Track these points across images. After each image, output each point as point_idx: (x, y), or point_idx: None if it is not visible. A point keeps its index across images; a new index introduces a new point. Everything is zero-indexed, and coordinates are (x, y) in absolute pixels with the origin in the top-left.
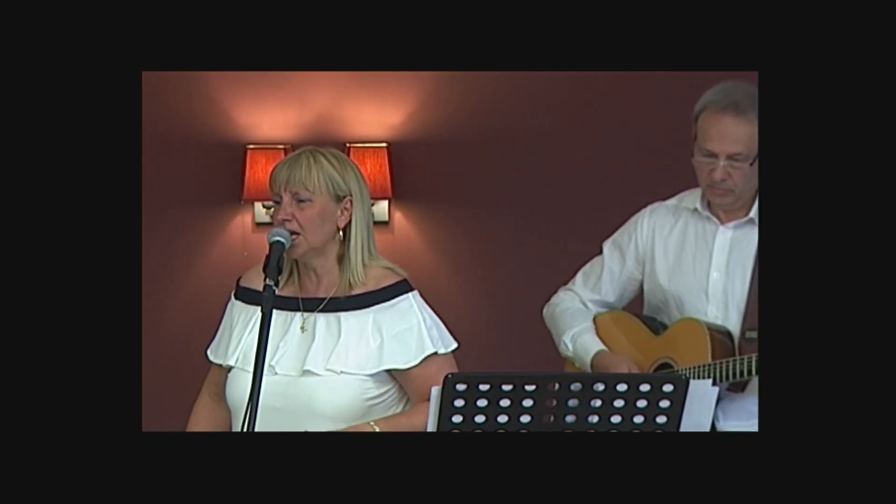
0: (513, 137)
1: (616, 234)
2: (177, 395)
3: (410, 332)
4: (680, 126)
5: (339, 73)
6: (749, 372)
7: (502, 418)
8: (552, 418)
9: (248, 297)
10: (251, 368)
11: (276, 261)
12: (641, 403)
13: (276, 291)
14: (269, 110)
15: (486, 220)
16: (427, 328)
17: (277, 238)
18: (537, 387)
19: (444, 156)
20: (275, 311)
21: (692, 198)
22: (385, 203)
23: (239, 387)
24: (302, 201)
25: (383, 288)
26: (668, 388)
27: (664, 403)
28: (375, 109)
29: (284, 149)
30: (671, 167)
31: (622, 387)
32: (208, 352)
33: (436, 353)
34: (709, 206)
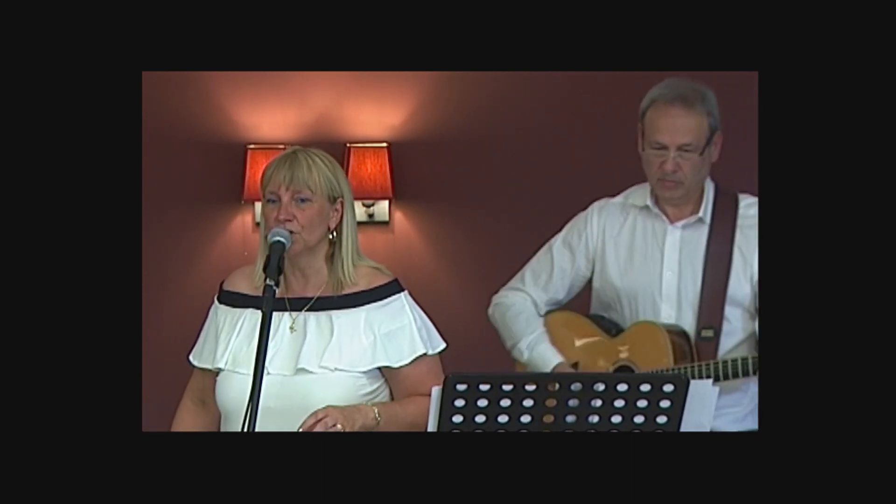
0: (513, 137)
1: (564, 232)
2: (177, 395)
3: (402, 332)
4: None
5: (339, 73)
6: (708, 376)
7: (503, 418)
8: (552, 418)
9: (233, 300)
10: (244, 370)
11: (276, 261)
12: (642, 403)
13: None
14: (269, 110)
15: (486, 220)
16: (417, 328)
17: (278, 238)
18: (537, 387)
19: (444, 156)
20: None
21: (640, 194)
22: (385, 203)
23: (232, 389)
24: (303, 201)
25: (375, 288)
26: (668, 388)
27: (664, 403)
28: (375, 109)
29: (284, 149)
30: None
31: (622, 387)
32: (191, 357)
33: (425, 354)
34: (657, 202)
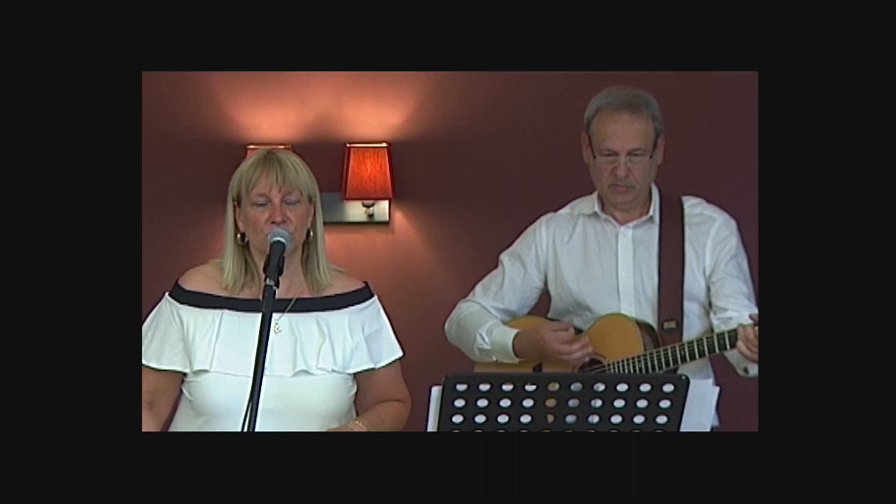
0: (513, 137)
1: (514, 246)
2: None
3: (380, 334)
4: (680, 126)
5: (339, 73)
6: (680, 359)
7: (503, 418)
8: (552, 418)
9: (198, 300)
10: (234, 372)
11: (276, 261)
12: (642, 403)
13: (237, 296)
14: (269, 110)
15: (486, 220)
16: (390, 331)
17: (278, 238)
18: (537, 387)
19: (444, 156)
20: (245, 315)
21: (585, 204)
22: (385, 203)
23: (224, 391)
24: (293, 202)
25: (354, 291)
26: (668, 388)
27: (664, 403)
28: (375, 109)
29: (285, 149)
30: (671, 167)
31: (622, 387)
32: (147, 359)
33: (401, 357)
34: (604, 208)
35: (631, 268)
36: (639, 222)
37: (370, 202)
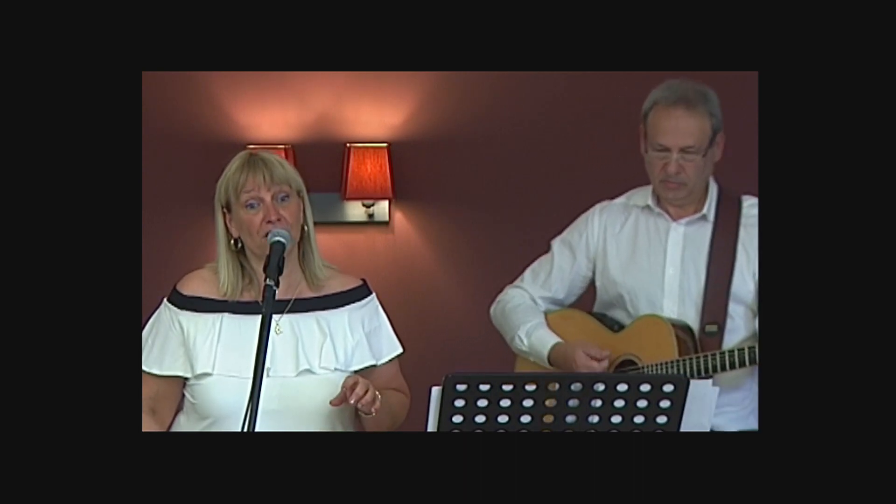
0: (513, 137)
1: (565, 233)
2: None
3: (380, 331)
4: None
5: (339, 73)
6: (713, 369)
7: (503, 418)
8: (552, 418)
9: (197, 305)
10: (238, 374)
11: (276, 261)
12: (642, 403)
13: (236, 300)
14: (269, 110)
15: (486, 220)
16: (390, 328)
17: (278, 238)
18: (537, 387)
19: (444, 156)
20: (245, 317)
21: (641, 195)
22: (385, 203)
23: (229, 393)
24: (284, 199)
25: (352, 289)
26: (668, 388)
27: (664, 403)
28: (375, 109)
29: (285, 149)
30: None
31: (622, 387)
32: (147, 365)
33: (400, 354)
34: (659, 202)
35: (679, 265)
36: (691, 219)
37: (370, 202)
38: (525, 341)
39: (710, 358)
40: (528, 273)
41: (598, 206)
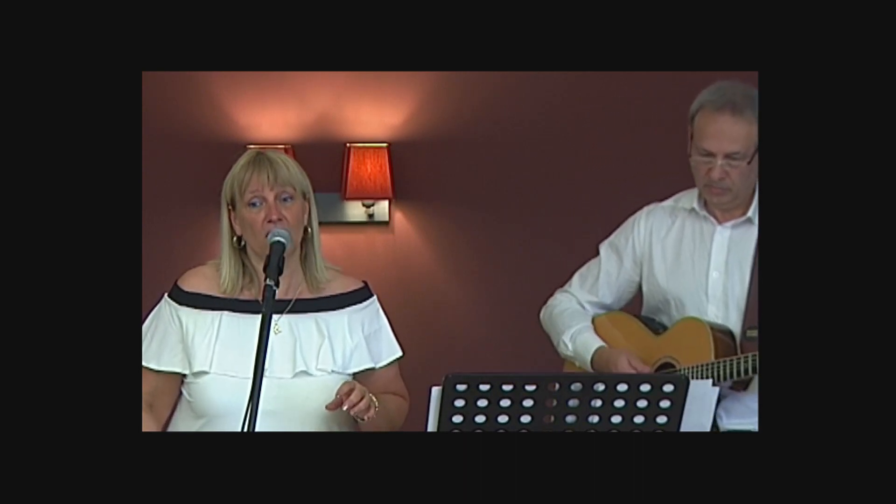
0: (513, 137)
1: (613, 236)
2: None
3: (380, 334)
4: (681, 126)
5: (339, 73)
6: (752, 370)
7: (503, 418)
8: (552, 418)
9: (197, 302)
10: (235, 373)
11: (276, 261)
12: (642, 403)
13: (236, 298)
14: (269, 110)
15: (486, 220)
16: (390, 331)
17: (278, 238)
18: (537, 387)
19: (444, 156)
20: (244, 316)
21: (689, 198)
22: (385, 203)
23: (225, 392)
24: (287, 199)
25: (353, 291)
26: (668, 388)
27: (664, 403)
28: (375, 109)
29: (285, 149)
30: (671, 167)
31: (622, 387)
32: (147, 361)
33: (400, 357)
34: (705, 205)
35: (723, 269)
36: (737, 223)
37: (370, 202)
38: (570, 346)
39: (742, 361)
40: (576, 277)
41: (645, 209)
